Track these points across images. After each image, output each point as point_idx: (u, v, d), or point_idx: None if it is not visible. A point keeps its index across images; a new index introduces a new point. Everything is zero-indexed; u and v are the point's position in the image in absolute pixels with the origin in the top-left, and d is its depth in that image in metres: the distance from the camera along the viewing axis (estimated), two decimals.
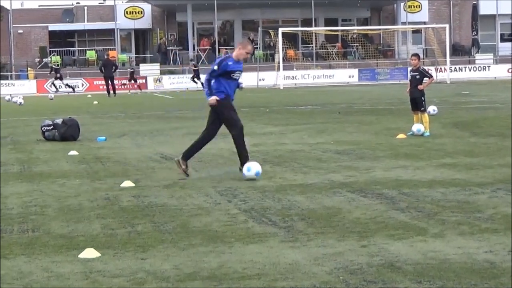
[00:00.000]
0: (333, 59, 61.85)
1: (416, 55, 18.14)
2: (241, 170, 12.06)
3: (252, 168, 11.74)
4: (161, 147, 16.86)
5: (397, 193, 10.20)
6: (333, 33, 61.67)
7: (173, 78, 57.03)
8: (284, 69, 53.77)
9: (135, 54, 65.53)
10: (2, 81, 55.29)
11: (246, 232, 8.12)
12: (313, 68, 59.84)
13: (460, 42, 65.81)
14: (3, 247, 7.72)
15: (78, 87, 55.01)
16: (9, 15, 62.34)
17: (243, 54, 12.37)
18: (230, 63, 12.18)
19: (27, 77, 57.54)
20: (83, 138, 19.02)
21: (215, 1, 59.49)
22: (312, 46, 62.31)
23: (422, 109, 17.91)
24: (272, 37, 60.15)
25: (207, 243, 7.64)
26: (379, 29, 62.01)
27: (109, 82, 46.31)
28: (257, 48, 61.55)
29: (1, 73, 58.62)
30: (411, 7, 65.75)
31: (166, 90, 54.09)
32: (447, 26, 56.25)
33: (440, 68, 55.34)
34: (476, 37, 63.94)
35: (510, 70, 57.63)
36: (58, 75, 50.64)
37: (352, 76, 57.84)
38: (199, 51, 62.37)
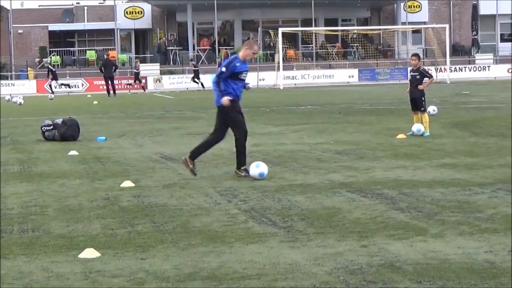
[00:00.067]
0: (333, 59, 61.85)
1: (416, 55, 18.14)
2: (236, 172, 12.07)
3: (260, 166, 11.75)
4: (161, 147, 16.86)
5: (397, 193, 10.20)
6: (333, 33, 61.68)
7: (173, 78, 57.03)
8: (284, 69, 53.78)
9: (135, 54, 65.50)
10: (2, 81, 55.29)
11: (246, 232, 8.12)
12: (313, 68, 59.84)
13: (460, 42, 65.82)
14: (3, 247, 7.72)
15: (77, 86, 54.99)
16: (9, 15, 62.36)
17: (250, 54, 12.33)
18: (237, 64, 12.15)
19: (27, 77, 57.54)
20: (83, 138, 19.02)
21: (215, 1, 59.48)
22: (312, 46, 62.31)
23: (422, 109, 17.91)
24: (272, 37, 60.16)
25: (207, 243, 7.64)
26: (379, 29, 62.01)
27: (109, 82, 46.31)
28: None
29: (1, 73, 58.62)
30: (411, 7, 65.76)
31: (166, 90, 54.09)
32: (447, 26, 56.25)
33: (440, 68, 55.34)
34: (476, 37, 63.93)
35: (510, 70, 57.63)
36: (51, 76, 50.54)
37: (352, 76, 57.84)
38: (199, 51, 62.38)
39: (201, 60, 60.81)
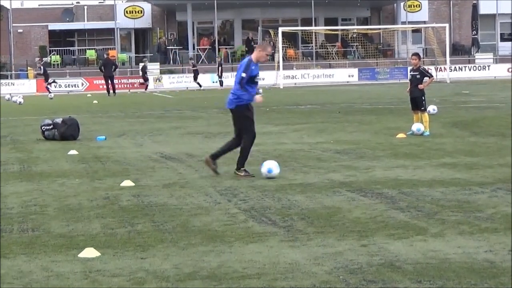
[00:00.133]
0: (333, 58, 61.85)
1: (417, 54, 18.14)
2: (236, 173, 12.07)
3: (266, 164, 11.76)
4: (160, 146, 16.86)
5: (397, 193, 10.20)
6: (333, 32, 61.67)
7: (172, 78, 57.01)
8: (284, 68, 53.77)
9: (135, 54, 65.51)
10: (2, 81, 55.28)
11: (246, 231, 8.12)
12: (313, 67, 59.83)
13: (460, 42, 65.82)
14: (3, 246, 7.72)
15: (77, 86, 54.98)
16: (9, 14, 62.35)
17: (263, 56, 12.29)
18: (253, 67, 12.11)
19: (27, 77, 57.54)
20: (83, 138, 19.02)
21: (215, 1, 59.47)
22: (312, 46, 62.31)
23: (423, 108, 17.91)
24: (272, 36, 60.10)
25: (207, 243, 7.64)
26: (379, 29, 61.99)
27: (109, 81, 46.30)
28: None
29: (1, 73, 58.61)
30: (411, 7, 65.74)
31: (166, 89, 54.07)
32: (447, 25, 56.25)
33: (440, 68, 55.33)
34: (476, 36, 63.92)
35: (510, 70, 57.63)
36: (43, 77, 50.45)
37: (352, 76, 57.83)
38: (199, 51, 62.37)
39: (201, 60, 60.80)
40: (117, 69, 49.38)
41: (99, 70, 48.65)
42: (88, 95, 47.70)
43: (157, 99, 41.62)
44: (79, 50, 64.31)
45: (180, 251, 7.36)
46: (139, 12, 65.25)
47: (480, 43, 64.27)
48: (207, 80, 56.04)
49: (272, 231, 8.09)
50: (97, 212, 9.45)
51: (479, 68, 59.37)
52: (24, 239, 8.04)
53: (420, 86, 17.78)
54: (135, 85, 55.52)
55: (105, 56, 49.89)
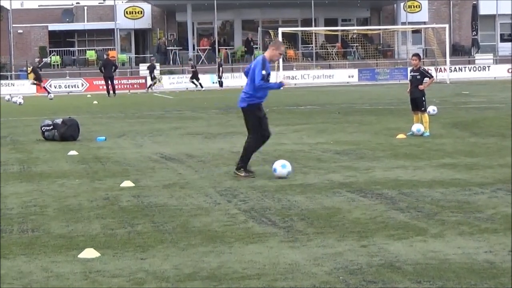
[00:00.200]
0: (333, 59, 61.86)
1: (417, 55, 18.14)
2: (235, 173, 12.07)
3: (286, 166, 11.82)
4: (160, 147, 16.86)
5: (397, 193, 10.20)
6: (333, 33, 61.69)
7: (172, 78, 57.03)
8: (284, 69, 53.77)
9: (135, 54, 65.55)
10: (2, 81, 55.30)
11: (246, 232, 8.12)
12: (313, 68, 59.84)
13: (460, 42, 65.83)
14: (3, 247, 7.72)
15: (77, 86, 55.00)
16: (9, 15, 62.36)
17: (277, 55, 12.26)
18: (268, 65, 12.07)
19: (26, 77, 57.51)
20: (83, 138, 19.02)
21: (215, 1, 59.49)
22: (312, 46, 62.32)
23: (423, 109, 17.91)
24: (272, 37, 60.08)
25: (207, 243, 7.64)
26: (379, 29, 62.02)
27: (109, 82, 46.30)
28: (256, 48, 61.58)
29: (1, 73, 58.62)
30: (411, 7, 65.77)
31: (166, 90, 54.08)
32: (447, 26, 56.25)
33: (440, 68, 55.34)
34: (476, 37, 63.95)
35: (510, 70, 57.64)
36: (34, 76, 50.44)
37: (352, 76, 57.85)
38: (199, 51, 62.40)
39: (201, 60, 60.82)
40: (117, 70, 49.39)
41: (99, 71, 48.64)
42: (88, 96, 47.70)
43: (157, 99, 41.62)
44: (79, 50, 64.35)
45: (180, 251, 7.36)
46: (139, 12, 65.29)
47: (480, 43, 64.30)
48: (207, 80, 56.04)
49: (272, 232, 8.09)
50: (97, 212, 9.45)
51: (479, 68, 59.39)
52: (24, 240, 8.04)
53: (421, 87, 17.78)
54: (135, 86, 55.53)
55: (105, 56, 49.89)
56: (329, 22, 65.81)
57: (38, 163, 14.69)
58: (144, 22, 65.44)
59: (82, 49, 64.37)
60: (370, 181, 11.30)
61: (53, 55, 61.83)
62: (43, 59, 60.87)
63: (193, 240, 7.79)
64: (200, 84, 52.74)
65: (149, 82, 53.60)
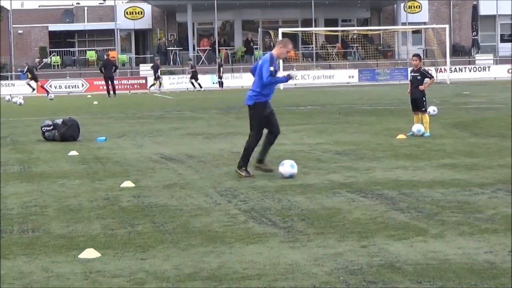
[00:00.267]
0: (333, 59, 61.87)
1: (417, 55, 18.14)
2: (236, 171, 12.07)
3: (284, 165, 11.85)
4: (161, 147, 16.86)
5: (397, 194, 10.20)
6: (333, 33, 61.70)
7: (173, 79, 57.05)
8: (284, 69, 53.56)
9: (135, 55, 65.57)
10: (2, 81, 55.30)
11: (246, 232, 8.12)
12: (313, 68, 59.85)
13: (460, 43, 65.84)
14: (3, 247, 7.72)
15: (77, 87, 55.01)
16: (9, 15, 62.38)
17: (284, 53, 12.29)
18: (275, 61, 12.09)
19: (27, 77, 57.51)
20: (83, 139, 19.02)
21: (215, 1, 59.50)
22: (312, 47, 62.32)
23: (423, 109, 17.90)
24: (272, 37, 60.17)
25: (207, 244, 7.64)
26: (379, 30, 62.03)
27: (109, 82, 46.31)
28: (257, 48, 61.59)
29: (1, 73, 58.62)
30: (411, 8, 65.78)
31: (166, 90, 54.08)
32: (447, 26, 56.24)
33: (440, 69, 55.35)
34: (476, 37, 63.96)
35: (510, 71, 57.64)
36: (30, 76, 50.34)
37: (352, 77, 57.86)
38: (199, 52, 62.41)
39: (201, 61, 60.83)
40: (117, 70, 49.39)
41: (99, 71, 48.65)
42: (88, 96, 47.71)
43: (157, 100, 41.62)
44: (79, 51, 64.37)
45: (180, 252, 7.36)
46: (139, 13, 65.30)
47: (480, 44, 64.32)
48: (207, 81, 56.06)
49: (272, 232, 8.09)
50: (97, 213, 9.45)
51: (479, 69, 59.41)
52: (24, 240, 8.04)
53: (421, 87, 17.78)
54: (135, 86, 55.52)
55: (105, 57, 49.90)
56: (329, 22, 65.83)
57: (38, 163, 14.69)
58: (144, 23, 65.46)
59: (82, 50, 64.39)
60: (370, 181, 11.30)
61: (53, 56, 61.85)
62: (43, 60, 60.88)
63: (193, 240, 7.79)
64: (199, 84, 52.73)
65: (150, 82, 53.56)
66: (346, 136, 18.20)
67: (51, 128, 18.95)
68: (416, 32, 64.30)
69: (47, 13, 67.80)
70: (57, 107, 34.79)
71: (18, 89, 53.52)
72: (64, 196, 10.73)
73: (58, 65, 61.24)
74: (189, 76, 53.97)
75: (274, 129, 12.40)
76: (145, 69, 59.58)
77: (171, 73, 58.67)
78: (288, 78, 12.42)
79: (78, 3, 70.23)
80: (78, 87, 55.68)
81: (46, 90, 50.07)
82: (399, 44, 64.98)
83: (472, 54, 63.70)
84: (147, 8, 65.15)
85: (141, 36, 67.10)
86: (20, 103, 39.04)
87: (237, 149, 15.80)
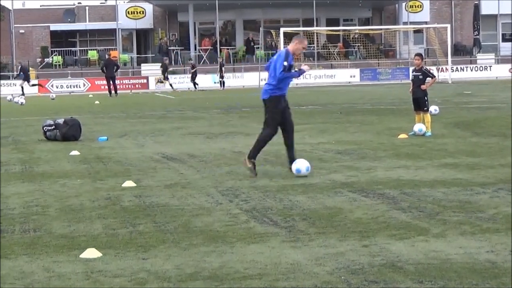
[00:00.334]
0: (335, 59, 61.86)
1: (419, 55, 18.14)
2: (245, 159, 12.11)
3: (303, 165, 11.86)
4: (162, 147, 16.86)
5: (399, 193, 10.19)
6: (334, 33, 61.68)
7: (174, 78, 57.03)
8: None
9: (137, 54, 65.57)
10: (3, 81, 55.30)
11: (248, 232, 8.12)
12: (315, 68, 59.84)
13: (461, 42, 65.82)
14: (5, 247, 7.72)
15: (79, 86, 55.02)
16: (10, 15, 62.41)
17: (300, 49, 12.38)
18: (291, 56, 12.13)
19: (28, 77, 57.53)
20: (85, 138, 19.03)
21: (217, 1, 59.51)
22: (314, 46, 62.30)
23: (425, 109, 17.89)
24: (274, 37, 60.14)
25: (209, 243, 7.64)
26: (381, 29, 62.01)
27: (111, 82, 46.33)
28: (258, 48, 61.59)
29: (2, 73, 58.63)
30: (412, 7, 65.76)
31: (168, 90, 54.09)
32: (448, 26, 56.24)
33: (442, 68, 55.34)
34: (477, 37, 63.96)
35: (511, 70, 57.61)
36: (23, 77, 50.23)
37: (354, 76, 57.85)
38: (201, 51, 62.41)
39: (202, 60, 60.84)
40: (118, 70, 49.41)
41: (100, 71, 48.67)
42: (90, 96, 47.71)
43: (159, 99, 41.64)
44: (80, 50, 64.38)
45: (182, 251, 7.36)
46: (141, 12, 65.31)
47: (482, 43, 64.32)
48: (209, 80, 56.07)
49: (273, 232, 8.09)
50: (99, 212, 9.46)
51: (481, 68, 59.39)
52: (25, 240, 8.04)
53: (423, 87, 17.77)
54: (137, 86, 55.52)
55: (107, 56, 49.93)
56: (330, 22, 65.82)
57: (40, 163, 14.70)
58: (146, 22, 65.46)
59: (84, 49, 64.40)
60: (371, 181, 11.29)
61: (54, 55, 61.86)
62: (45, 59, 60.88)
63: (194, 240, 7.79)
64: (195, 84, 52.67)
65: (152, 83, 53.55)
66: (347, 135, 18.20)
67: (52, 127, 18.95)
68: (417, 31, 64.28)
69: (48, 13, 67.82)
70: (58, 107, 34.80)
71: (20, 89, 53.50)
72: (65, 196, 10.73)
73: (59, 65, 61.25)
74: (190, 76, 53.96)
75: (287, 125, 12.52)
76: (147, 69, 59.60)
77: (173, 72, 58.67)
78: (300, 72, 12.47)
79: (80, 3, 70.26)
80: (79, 87, 55.70)
81: (22, 90, 49.27)
82: (401, 43, 64.98)
83: (474, 53, 63.70)
84: (148, 7, 65.16)
85: (143, 35, 67.11)
86: (22, 102, 39.07)
87: (238, 149, 15.82)
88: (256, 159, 12.31)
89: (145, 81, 56.60)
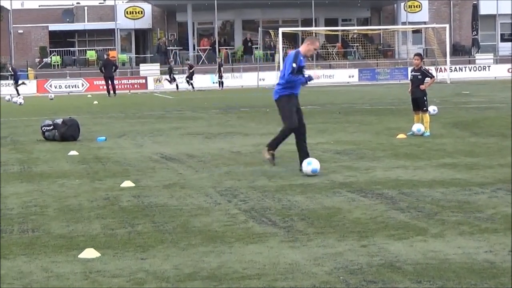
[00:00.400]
0: (333, 59, 61.86)
1: (419, 55, 18.14)
2: (265, 147, 12.32)
3: (312, 163, 11.91)
4: (161, 147, 16.86)
5: (397, 193, 10.20)
6: (333, 33, 61.70)
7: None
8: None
9: (135, 54, 65.56)
10: (2, 81, 55.27)
11: (246, 232, 8.12)
12: (313, 68, 59.80)
13: (460, 42, 65.84)
14: (3, 247, 7.72)
15: (78, 87, 55.02)
16: (9, 15, 62.40)
17: (311, 50, 12.40)
18: (301, 58, 12.15)
19: (27, 77, 57.53)
20: (83, 138, 19.02)
21: (215, 1, 59.49)
22: None
23: (424, 109, 17.90)
24: (273, 37, 60.14)
25: (207, 243, 7.64)
26: (379, 29, 62.04)
27: (109, 82, 46.31)
28: (257, 48, 61.58)
29: (1, 73, 58.60)
30: (411, 7, 65.79)
31: (166, 90, 54.08)
32: (447, 26, 56.27)
33: (440, 68, 55.36)
34: (476, 37, 63.96)
35: (510, 70, 57.65)
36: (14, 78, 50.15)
37: (352, 76, 57.86)
38: (199, 51, 62.41)
39: (201, 60, 60.83)
40: (117, 70, 49.39)
41: (99, 71, 48.65)
42: (89, 96, 47.71)
43: (158, 99, 41.63)
44: (79, 50, 64.36)
45: (180, 251, 7.36)
46: (139, 12, 65.30)
47: (481, 43, 64.32)
48: (207, 80, 56.05)
49: (272, 232, 8.09)
50: (97, 212, 9.45)
51: (480, 68, 59.41)
52: (24, 240, 8.04)
53: (422, 87, 17.77)
54: (135, 86, 55.51)
55: (105, 56, 49.89)
56: (329, 22, 65.83)
57: (38, 163, 14.69)
58: (145, 22, 65.46)
59: (83, 49, 64.39)
60: (370, 181, 11.30)
61: (53, 55, 61.84)
62: (43, 59, 60.85)
63: (193, 240, 7.79)
64: (188, 83, 52.61)
65: (150, 83, 53.53)
66: (346, 135, 18.21)
67: (51, 128, 18.95)
68: (416, 31, 64.31)
69: (47, 13, 67.80)
70: (57, 107, 34.79)
71: (18, 89, 53.46)
72: (64, 196, 10.73)
73: (58, 65, 61.23)
74: (189, 76, 53.94)
75: (300, 126, 12.54)
76: (145, 69, 59.58)
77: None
78: (308, 79, 12.45)
79: (78, 3, 70.24)
80: (78, 87, 55.68)
81: (17, 91, 48.91)
82: (399, 43, 64.99)
83: (472, 53, 63.71)
84: (147, 7, 65.15)
85: (141, 35, 67.11)
86: (20, 103, 39.07)
87: (237, 149, 15.83)
88: (276, 150, 12.51)
89: (143, 81, 56.59)
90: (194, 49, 62.40)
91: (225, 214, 9.10)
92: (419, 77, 17.84)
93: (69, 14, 66.86)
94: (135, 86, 56.01)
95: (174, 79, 52.76)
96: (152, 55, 63.87)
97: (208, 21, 64.03)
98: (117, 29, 62.31)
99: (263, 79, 55.21)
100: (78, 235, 8.20)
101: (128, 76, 58.60)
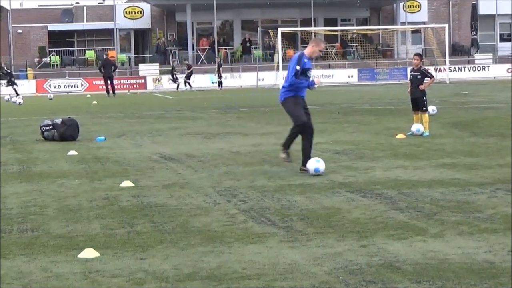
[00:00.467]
0: (333, 59, 61.85)
1: (419, 55, 18.13)
2: (282, 146, 12.32)
3: (320, 162, 11.92)
4: (160, 147, 16.85)
5: (397, 193, 10.20)
6: (332, 33, 61.67)
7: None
8: (284, 69, 53.61)
9: (135, 54, 65.54)
10: (1, 81, 55.23)
11: (246, 232, 8.11)
12: (313, 68, 59.81)
13: (459, 42, 65.84)
14: (3, 247, 7.72)
15: (77, 86, 54.98)
16: (8, 15, 62.36)
17: (316, 51, 12.41)
18: (305, 60, 12.15)
19: (26, 77, 57.54)
20: (82, 138, 19.02)
21: (215, 1, 59.49)
22: None
23: (424, 109, 17.90)
24: (272, 37, 60.16)
25: (207, 243, 7.64)
26: (379, 29, 62.01)
27: (108, 82, 46.30)
28: (256, 48, 61.58)
29: (1, 73, 58.57)
30: (410, 7, 65.78)
31: (166, 90, 54.07)
32: (446, 26, 56.27)
33: (440, 68, 55.36)
34: (475, 37, 63.96)
35: (509, 70, 57.66)
36: (10, 78, 49.94)
37: (352, 76, 57.86)
38: (199, 51, 62.40)
39: (200, 60, 60.82)
40: (116, 70, 49.38)
41: (98, 71, 48.63)
42: (88, 96, 47.69)
43: (157, 99, 41.62)
44: (78, 50, 64.34)
45: (180, 251, 7.35)
46: (139, 12, 65.28)
47: (480, 43, 64.32)
48: (206, 80, 56.03)
49: (271, 232, 8.09)
50: (97, 212, 9.45)
51: (479, 68, 59.42)
52: (23, 240, 8.03)
53: (421, 87, 17.77)
54: (135, 86, 55.50)
55: (105, 56, 49.89)
56: (328, 22, 65.82)
57: (37, 163, 14.69)
58: (144, 22, 65.44)
59: (82, 49, 64.37)
60: (369, 181, 11.30)
61: (52, 55, 61.82)
62: (42, 59, 60.83)
63: (192, 240, 7.78)
64: (185, 83, 52.58)
65: (150, 83, 53.50)
66: (345, 135, 18.21)
67: (50, 127, 18.94)
68: (415, 31, 64.30)
69: (46, 13, 67.77)
70: (56, 107, 34.78)
71: (17, 89, 53.42)
72: (63, 196, 10.72)
73: (57, 65, 61.21)
74: (187, 76, 53.92)
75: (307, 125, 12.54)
76: (145, 69, 59.57)
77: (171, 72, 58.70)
78: (310, 84, 12.44)
79: (78, 3, 70.21)
80: (77, 87, 55.66)
81: (16, 92, 48.87)
82: (399, 43, 64.99)
83: (472, 53, 63.71)
84: (146, 7, 65.13)
85: (141, 35, 67.09)
86: (20, 102, 39.05)
87: (236, 149, 15.82)
88: (290, 149, 12.54)
89: (143, 81, 56.57)
90: (193, 49, 62.40)
91: (224, 214, 9.10)
92: (419, 77, 17.84)
93: (68, 14, 66.84)
94: (134, 86, 56.00)
95: (177, 79, 52.77)
96: (151, 55, 63.86)
97: (207, 21, 64.03)
98: (116, 29, 62.29)
99: (262, 79, 55.21)
100: (78, 235, 8.20)
101: (127, 76, 58.59)
